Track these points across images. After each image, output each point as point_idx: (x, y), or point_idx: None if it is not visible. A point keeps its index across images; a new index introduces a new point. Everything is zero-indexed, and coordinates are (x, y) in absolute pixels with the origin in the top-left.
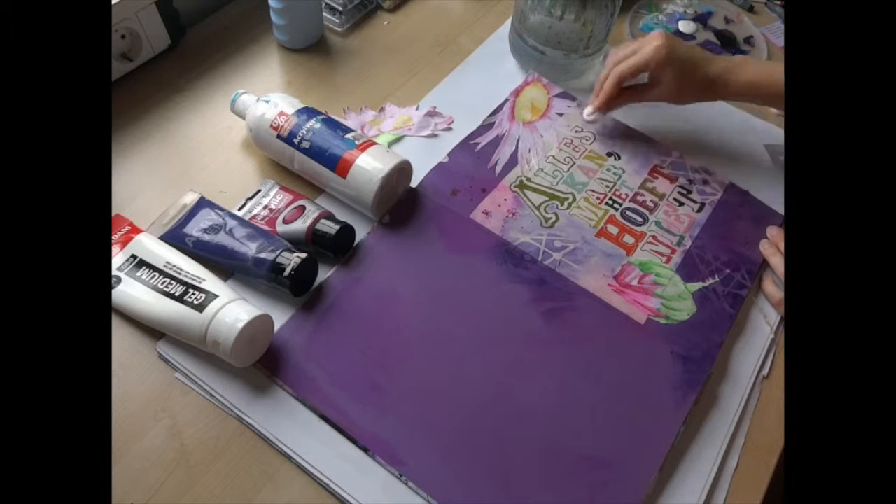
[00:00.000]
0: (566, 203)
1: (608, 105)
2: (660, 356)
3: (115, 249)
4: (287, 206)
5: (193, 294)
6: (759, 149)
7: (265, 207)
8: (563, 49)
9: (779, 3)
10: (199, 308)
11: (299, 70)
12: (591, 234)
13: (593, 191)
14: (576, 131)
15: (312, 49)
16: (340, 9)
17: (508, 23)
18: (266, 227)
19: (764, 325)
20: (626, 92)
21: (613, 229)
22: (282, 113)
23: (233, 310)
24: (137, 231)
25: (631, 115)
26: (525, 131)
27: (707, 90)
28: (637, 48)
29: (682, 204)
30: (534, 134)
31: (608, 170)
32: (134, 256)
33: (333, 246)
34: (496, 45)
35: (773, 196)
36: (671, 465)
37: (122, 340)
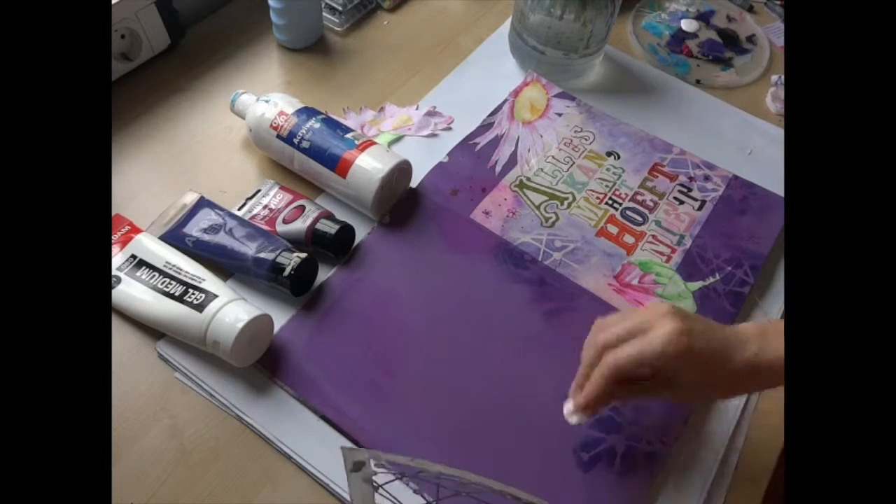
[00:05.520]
0: (566, 203)
1: (597, 406)
2: None
3: (114, 249)
4: (287, 205)
5: (193, 294)
6: (760, 145)
7: (265, 207)
8: (563, 49)
9: (779, 2)
10: (199, 308)
11: (299, 70)
12: (591, 234)
13: (593, 190)
14: (575, 131)
15: (312, 49)
16: (340, 9)
17: (508, 23)
18: (266, 227)
19: (765, 322)
20: (621, 389)
21: (613, 229)
22: (281, 113)
23: (232, 309)
24: (137, 231)
25: (631, 113)
26: (524, 131)
27: (732, 387)
28: (637, 326)
29: (682, 203)
30: (533, 134)
31: (608, 169)
32: (134, 256)
33: (333, 246)
34: (496, 45)
35: (780, 187)
36: (672, 465)
37: (122, 340)
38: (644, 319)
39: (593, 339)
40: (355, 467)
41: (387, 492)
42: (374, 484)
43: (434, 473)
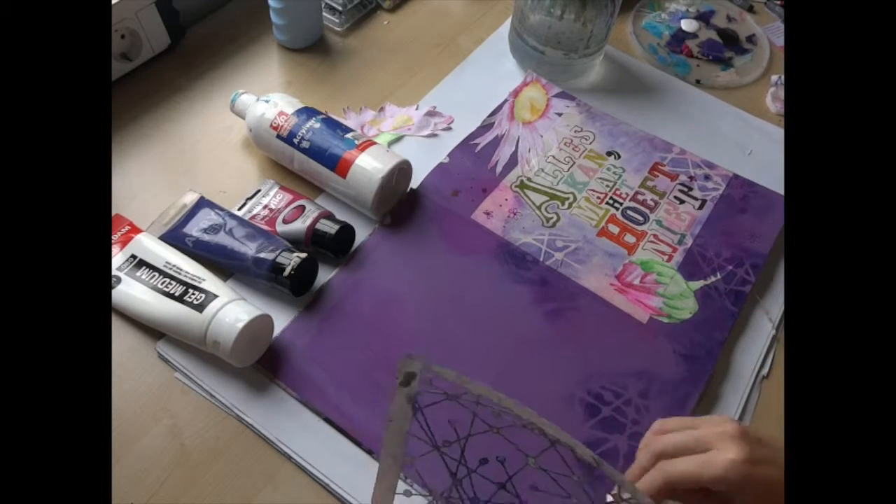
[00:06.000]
0: (567, 203)
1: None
2: (663, 355)
3: (114, 249)
4: (287, 205)
5: (193, 294)
6: (760, 145)
7: (265, 207)
8: (563, 49)
9: (779, 2)
10: (199, 308)
11: (299, 70)
12: (592, 234)
13: (594, 190)
14: (575, 131)
15: (312, 49)
16: (340, 9)
17: (508, 23)
18: (266, 227)
19: (766, 321)
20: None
21: (614, 229)
22: (281, 113)
23: (233, 310)
24: (137, 231)
25: (631, 113)
26: (525, 131)
27: None
28: (699, 441)
29: (682, 202)
30: (533, 134)
31: (608, 169)
32: (134, 256)
33: (333, 246)
34: (496, 45)
35: (780, 187)
36: None
37: (122, 340)
38: (708, 435)
39: (650, 441)
40: (406, 380)
41: (424, 417)
42: (416, 405)
43: (475, 396)
